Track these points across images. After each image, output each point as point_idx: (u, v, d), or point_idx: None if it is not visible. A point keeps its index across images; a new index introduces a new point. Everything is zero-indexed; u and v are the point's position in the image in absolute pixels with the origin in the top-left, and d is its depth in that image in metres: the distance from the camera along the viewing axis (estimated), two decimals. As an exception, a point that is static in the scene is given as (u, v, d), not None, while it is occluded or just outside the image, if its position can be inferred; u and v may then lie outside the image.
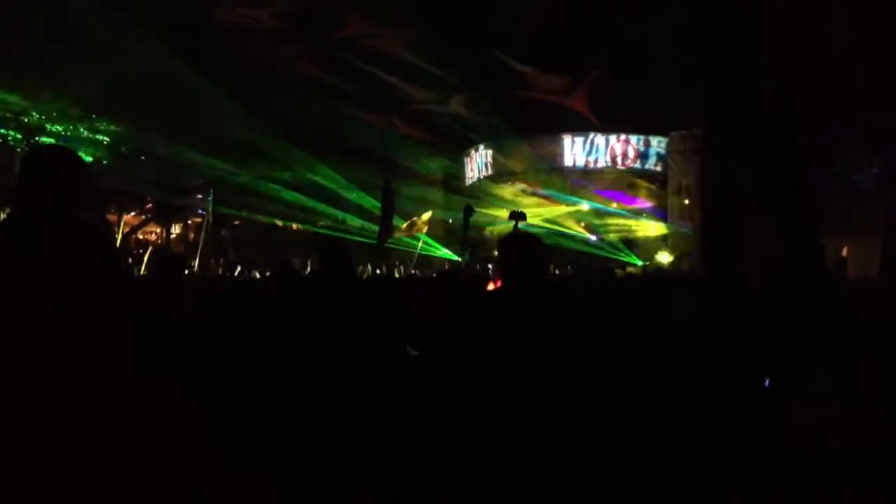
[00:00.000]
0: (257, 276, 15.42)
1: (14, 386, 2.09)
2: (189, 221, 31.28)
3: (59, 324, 2.16)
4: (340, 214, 28.53)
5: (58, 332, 2.15)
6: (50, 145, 2.62)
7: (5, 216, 2.57)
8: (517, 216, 17.74)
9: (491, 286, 5.26)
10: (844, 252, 15.28)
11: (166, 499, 2.41)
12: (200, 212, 26.63)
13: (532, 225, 22.57)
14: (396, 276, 16.37)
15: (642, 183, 26.46)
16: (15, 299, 2.16)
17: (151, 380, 2.37)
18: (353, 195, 27.19)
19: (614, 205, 27.08)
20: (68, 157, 2.48)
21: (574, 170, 26.51)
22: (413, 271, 18.08)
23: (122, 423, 2.19)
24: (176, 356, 2.76)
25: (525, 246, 2.98)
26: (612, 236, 26.62)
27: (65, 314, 2.17)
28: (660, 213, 25.88)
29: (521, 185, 28.06)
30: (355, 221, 27.76)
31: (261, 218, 29.40)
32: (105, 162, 22.93)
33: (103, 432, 2.15)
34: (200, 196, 27.34)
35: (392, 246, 20.59)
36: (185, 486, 2.52)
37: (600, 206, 27.21)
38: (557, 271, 16.26)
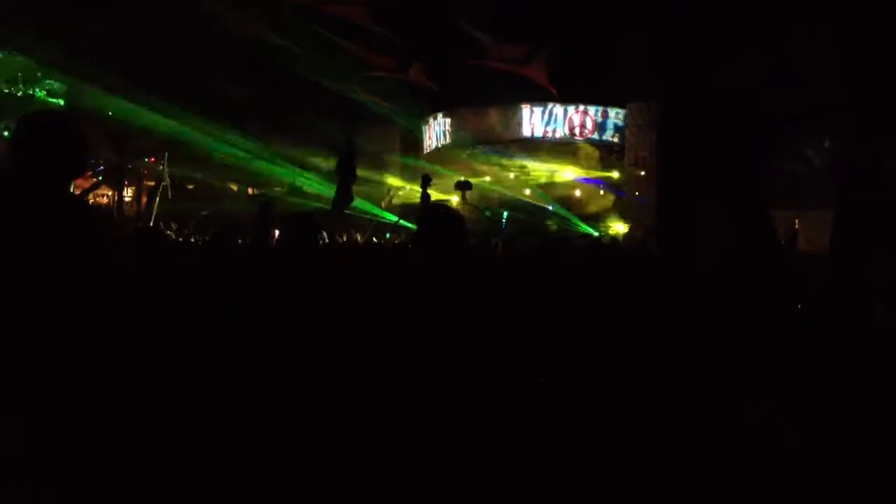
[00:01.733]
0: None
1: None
2: (142, 184, 30.61)
3: (45, 306, 2.04)
4: (299, 180, 28.15)
5: (44, 315, 2.04)
6: (48, 111, 2.48)
7: None
8: (463, 186, 17.61)
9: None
10: (796, 225, 15.58)
11: (166, 497, 2.39)
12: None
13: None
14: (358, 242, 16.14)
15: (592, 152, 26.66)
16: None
17: (144, 369, 2.31)
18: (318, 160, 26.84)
19: (568, 170, 27.33)
20: (67, 126, 2.34)
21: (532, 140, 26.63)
22: (373, 239, 17.99)
23: (121, 419, 2.12)
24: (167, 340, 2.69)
25: (439, 222, 2.99)
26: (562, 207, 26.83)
27: (52, 296, 2.06)
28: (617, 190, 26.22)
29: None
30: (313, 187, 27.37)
31: (215, 182, 28.98)
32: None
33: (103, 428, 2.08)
34: (153, 159, 26.79)
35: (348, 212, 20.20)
36: (184, 483, 2.48)
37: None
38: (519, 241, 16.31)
